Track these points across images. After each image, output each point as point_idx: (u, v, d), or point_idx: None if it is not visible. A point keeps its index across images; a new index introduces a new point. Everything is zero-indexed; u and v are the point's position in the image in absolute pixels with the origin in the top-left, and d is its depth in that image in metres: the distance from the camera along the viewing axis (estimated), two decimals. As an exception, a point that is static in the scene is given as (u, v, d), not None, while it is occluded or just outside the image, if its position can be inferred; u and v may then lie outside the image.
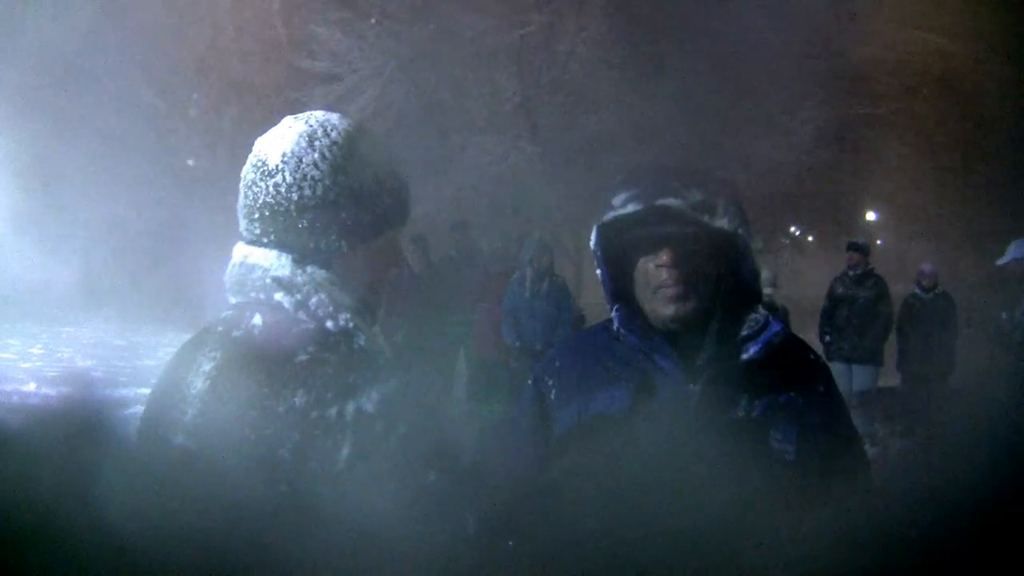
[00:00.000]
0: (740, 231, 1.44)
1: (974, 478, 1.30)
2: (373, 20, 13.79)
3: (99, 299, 13.41)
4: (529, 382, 1.60)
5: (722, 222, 1.42)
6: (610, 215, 1.46)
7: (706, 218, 1.41)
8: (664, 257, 1.42)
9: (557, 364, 1.58)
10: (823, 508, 1.31)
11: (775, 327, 1.49)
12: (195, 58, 13.44)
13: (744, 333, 1.47)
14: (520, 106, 14.19)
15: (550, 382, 1.55)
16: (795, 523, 1.27)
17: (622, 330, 1.50)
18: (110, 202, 11.83)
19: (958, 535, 1.23)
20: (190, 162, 13.89)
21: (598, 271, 1.55)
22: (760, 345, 1.46)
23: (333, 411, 1.08)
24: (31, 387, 7.69)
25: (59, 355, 10.77)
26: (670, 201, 1.41)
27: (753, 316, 1.48)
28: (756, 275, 1.50)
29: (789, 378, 1.47)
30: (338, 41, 13.78)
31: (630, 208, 1.43)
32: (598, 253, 1.52)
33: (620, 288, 1.53)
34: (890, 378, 8.01)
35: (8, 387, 7.70)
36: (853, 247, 7.57)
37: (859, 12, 14.27)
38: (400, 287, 6.65)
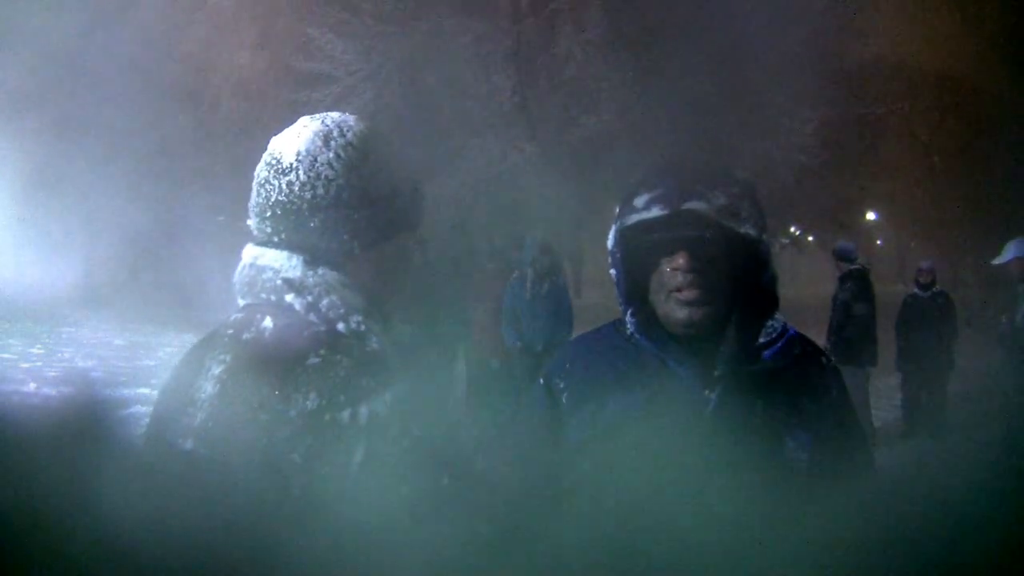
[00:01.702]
0: (763, 236, 1.42)
1: (977, 480, 1.30)
2: (370, 21, 13.79)
3: (99, 299, 13.41)
4: (540, 383, 1.57)
5: (747, 227, 1.39)
6: (633, 218, 1.43)
7: (730, 223, 1.38)
8: (680, 260, 1.39)
9: (568, 366, 1.55)
10: (834, 515, 1.30)
11: (792, 334, 1.47)
12: (194, 59, 13.45)
13: (761, 340, 1.44)
14: (518, 107, 14.19)
15: (561, 384, 1.52)
16: (808, 531, 1.27)
17: (636, 334, 1.48)
18: (110, 202, 11.82)
19: (964, 538, 1.23)
20: (190, 162, 13.90)
21: (612, 271, 1.52)
22: (777, 353, 1.44)
23: (346, 414, 1.07)
24: (31, 387, 7.69)
25: (59, 355, 10.76)
26: (696, 205, 1.38)
27: (771, 323, 1.46)
28: (775, 281, 1.47)
29: (804, 385, 1.45)
30: (336, 42, 13.79)
31: (655, 212, 1.40)
32: (617, 255, 1.49)
33: (634, 290, 1.49)
34: (889, 377, 8.02)
35: (8, 387, 7.69)
36: (838, 247, 7.60)
37: (859, 12, 14.27)
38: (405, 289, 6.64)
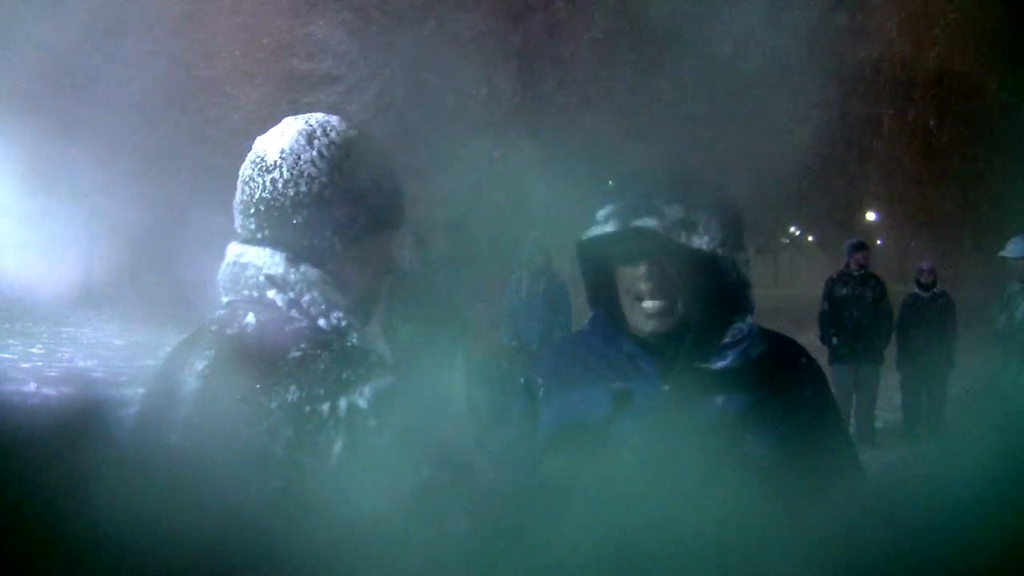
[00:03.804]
0: (720, 250, 1.42)
1: (976, 480, 1.30)
2: (374, 20, 13.80)
3: (99, 299, 13.42)
4: (520, 380, 1.62)
5: (701, 241, 1.41)
6: (592, 231, 1.48)
7: (683, 237, 1.40)
8: (642, 270, 1.44)
9: (546, 363, 1.62)
10: (815, 514, 1.31)
11: (758, 335, 1.49)
12: (195, 58, 13.44)
13: (727, 340, 1.47)
14: (520, 106, 14.20)
15: (539, 380, 1.57)
16: (783, 530, 1.27)
17: (602, 334, 1.53)
18: (110, 202, 11.83)
19: (964, 538, 1.23)
20: (190, 162, 13.89)
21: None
22: (738, 352, 1.46)
23: (326, 407, 1.09)
24: (31, 387, 7.69)
25: (59, 355, 10.76)
26: (646, 222, 1.41)
27: (738, 326, 1.47)
28: (744, 285, 1.48)
29: (771, 383, 1.46)
30: (339, 42, 13.80)
31: (609, 227, 1.45)
32: (579, 264, 1.56)
33: (601, 292, 1.55)
34: (890, 377, 8.01)
35: (8, 387, 7.69)
36: (862, 247, 7.53)
37: (859, 12, 14.27)
38: (402, 289, 6.66)
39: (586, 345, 1.57)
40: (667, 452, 1.37)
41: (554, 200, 13.22)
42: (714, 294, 1.47)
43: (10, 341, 11.24)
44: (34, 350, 10.98)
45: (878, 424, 7.48)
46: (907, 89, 16.01)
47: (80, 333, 12.66)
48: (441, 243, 8.60)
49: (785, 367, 1.51)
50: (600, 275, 1.54)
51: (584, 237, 1.49)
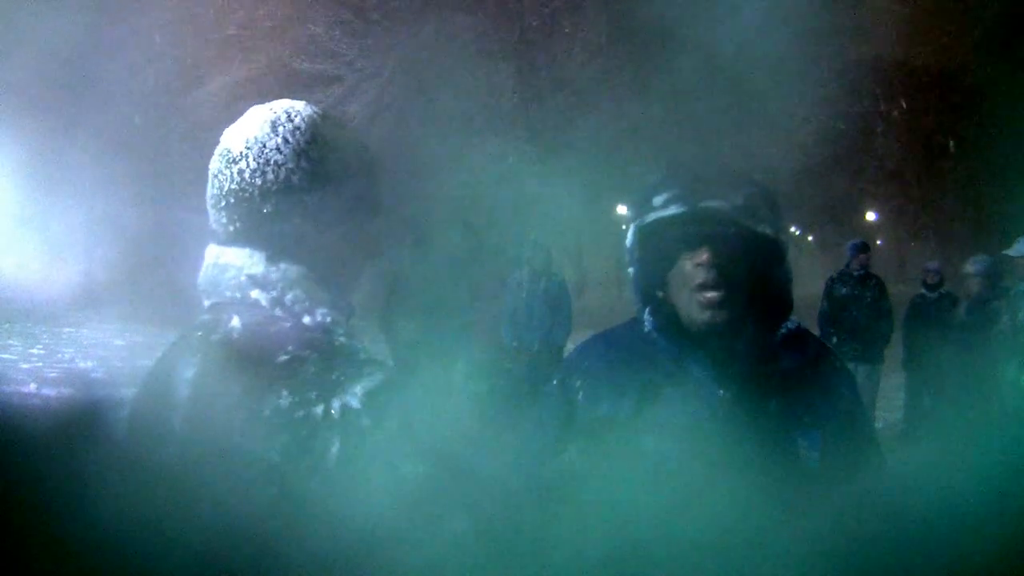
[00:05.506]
0: (780, 236, 1.43)
1: (977, 480, 1.30)
2: (373, 21, 13.80)
3: (99, 299, 13.41)
4: (554, 383, 1.57)
5: (764, 227, 1.41)
6: (652, 216, 1.44)
7: (748, 222, 1.40)
8: (704, 256, 1.40)
9: (585, 365, 1.55)
10: (845, 514, 1.31)
11: (807, 336, 1.49)
12: (195, 59, 13.44)
13: (777, 341, 1.46)
14: (520, 106, 14.19)
15: (578, 383, 1.52)
16: (819, 529, 1.27)
17: (655, 334, 1.48)
18: (110, 202, 11.82)
19: (966, 539, 1.23)
20: (190, 162, 13.87)
21: (629, 269, 1.52)
22: (792, 353, 1.46)
23: (319, 410, 1.07)
24: (31, 387, 7.68)
25: (59, 356, 10.76)
26: (715, 203, 1.39)
27: (786, 324, 1.48)
28: (789, 281, 1.49)
29: (816, 385, 1.47)
30: (338, 42, 13.80)
31: (673, 210, 1.41)
32: (635, 253, 1.50)
33: (651, 289, 1.50)
34: (891, 377, 8.00)
35: (8, 387, 7.68)
36: (865, 248, 7.53)
37: (859, 12, 14.27)
38: (403, 289, 6.66)
39: (627, 346, 1.52)
40: (727, 458, 1.34)
41: (554, 200, 13.23)
42: (766, 289, 1.46)
43: (10, 341, 11.24)
44: (34, 350, 10.97)
45: (878, 424, 7.47)
46: (907, 89, 16.01)
47: (80, 333, 12.64)
48: (441, 243, 8.58)
49: (825, 368, 1.51)
50: (650, 269, 1.49)
51: (644, 222, 1.45)
